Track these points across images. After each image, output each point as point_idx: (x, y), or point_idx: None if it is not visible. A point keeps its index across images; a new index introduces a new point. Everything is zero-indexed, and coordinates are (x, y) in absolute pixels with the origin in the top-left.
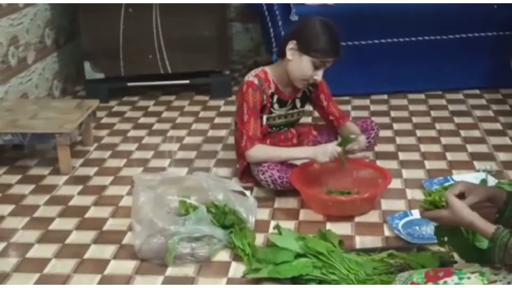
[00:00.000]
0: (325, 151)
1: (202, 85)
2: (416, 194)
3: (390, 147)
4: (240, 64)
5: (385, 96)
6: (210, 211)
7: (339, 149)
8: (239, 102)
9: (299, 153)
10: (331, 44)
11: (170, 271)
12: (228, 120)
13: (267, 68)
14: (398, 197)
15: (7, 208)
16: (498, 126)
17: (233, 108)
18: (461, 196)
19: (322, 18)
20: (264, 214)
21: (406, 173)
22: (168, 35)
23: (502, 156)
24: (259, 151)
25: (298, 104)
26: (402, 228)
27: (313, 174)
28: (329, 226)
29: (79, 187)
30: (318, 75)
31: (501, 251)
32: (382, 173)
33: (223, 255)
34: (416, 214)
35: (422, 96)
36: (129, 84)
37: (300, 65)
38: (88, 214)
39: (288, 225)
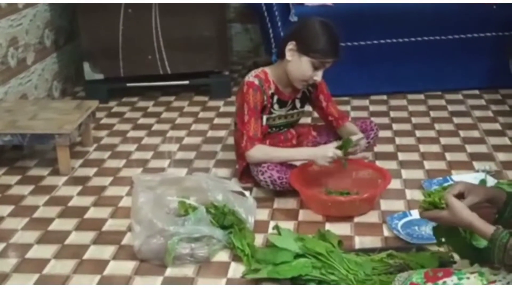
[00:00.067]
0: (325, 155)
1: (201, 85)
2: (415, 194)
3: (389, 148)
4: (239, 65)
5: (384, 97)
6: (209, 211)
7: (339, 152)
8: (239, 102)
9: (299, 154)
10: (330, 45)
11: (170, 271)
12: (227, 120)
13: (267, 69)
14: (397, 198)
15: (7, 209)
16: (497, 126)
17: (232, 108)
18: (460, 196)
19: (322, 18)
20: (263, 214)
21: (406, 174)
22: (167, 35)
23: (501, 156)
24: (259, 152)
25: (298, 104)
26: (402, 228)
27: (312, 175)
28: (328, 226)
29: (79, 188)
30: (318, 76)
31: (500, 252)
32: (382, 174)
33: (223, 256)
34: (415, 214)
35: (421, 96)
36: (129, 84)
37: (299, 65)
38: (88, 215)
39: (288, 225)
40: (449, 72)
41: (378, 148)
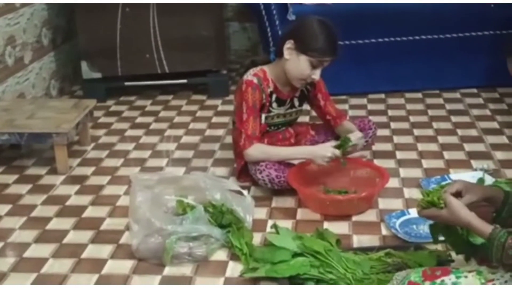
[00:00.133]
0: (324, 155)
1: (199, 84)
2: (413, 193)
3: (387, 146)
4: (237, 64)
5: (382, 95)
6: (207, 210)
7: (337, 152)
8: (238, 101)
9: (297, 153)
10: (328, 44)
11: (168, 270)
12: (225, 119)
13: (266, 67)
14: (395, 196)
15: (4, 208)
16: (495, 125)
17: (230, 107)
18: (458, 195)
19: (320, 17)
20: (261, 213)
21: (404, 172)
22: (165, 34)
23: (499, 155)
24: (257, 150)
25: (296, 103)
26: (400, 227)
27: (310, 173)
28: (326, 225)
29: (76, 187)
30: (316, 74)
31: (498, 251)
32: (380, 172)
33: (221, 255)
34: (413, 213)
35: (419, 95)
36: (126, 83)
37: (297, 64)
38: (85, 214)
39: (286, 224)
40: (447, 71)
41: (376, 146)
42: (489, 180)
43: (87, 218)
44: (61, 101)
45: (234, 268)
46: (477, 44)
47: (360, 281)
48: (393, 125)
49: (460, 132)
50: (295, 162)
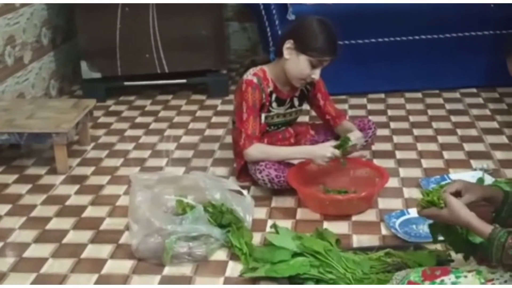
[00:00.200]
0: (324, 155)
1: (199, 84)
2: (413, 193)
3: (387, 146)
4: (237, 64)
5: (382, 95)
6: (207, 210)
7: (337, 152)
8: (238, 101)
9: (297, 153)
10: (328, 43)
11: (167, 270)
12: (225, 119)
13: (265, 67)
14: (395, 196)
15: (4, 208)
16: (495, 124)
17: (230, 107)
18: (458, 194)
19: (319, 17)
20: (261, 213)
21: (403, 172)
22: (165, 34)
23: (498, 154)
24: (257, 150)
25: (296, 102)
26: (399, 227)
27: (310, 173)
28: (326, 225)
29: (76, 187)
30: (316, 74)
31: (498, 251)
32: (379, 172)
33: (220, 255)
34: (413, 213)
35: (419, 95)
36: (126, 83)
37: (297, 64)
38: (85, 214)
39: (285, 224)
40: (447, 71)
41: (376, 146)
42: (488, 180)
43: (86, 218)
44: (60, 101)
45: (234, 268)
46: (476, 44)
47: (359, 281)
48: (392, 125)
49: (459, 132)
50: (295, 162)
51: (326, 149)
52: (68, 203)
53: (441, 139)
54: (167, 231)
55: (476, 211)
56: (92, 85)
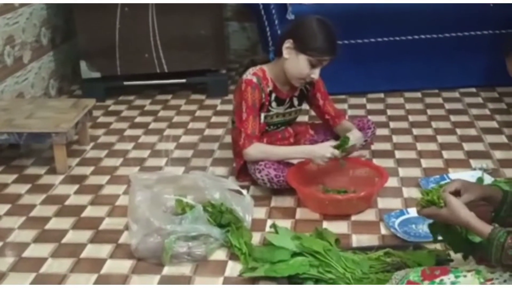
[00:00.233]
0: (323, 155)
1: (198, 84)
2: (412, 192)
3: (386, 146)
4: (236, 63)
5: (381, 95)
6: (206, 210)
7: (336, 152)
8: (238, 100)
9: (297, 152)
10: (327, 43)
11: (167, 270)
12: (224, 119)
13: (265, 67)
14: (394, 196)
15: (3, 208)
16: (494, 124)
17: (229, 107)
18: (457, 193)
19: (319, 16)
20: (260, 213)
21: (403, 172)
22: (164, 34)
23: (498, 154)
24: (257, 150)
25: (295, 102)
26: (399, 226)
27: (309, 173)
28: (325, 224)
29: (76, 187)
30: (315, 74)
31: (498, 251)
32: (379, 172)
33: (220, 254)
34: (412, 212)
35: (418, 94)
36: (126, 83)
37: (296, 63)
38: (85, 214)
39: (285, 224)
40: (446, 70)
41: (375, 146)
42: (488, 179)
43: (86, 218)
44: (60, 101)
45: (233, 268)
46: (476, 43)
47: (359, 281)
48: (392, 124)
49: (459, 131)
50: (294, 161)
51: (325, 149)
52: (67, 203)
53: (441, 138)
54: (167, 230)
55: (475, 210)
56: (92, 84)
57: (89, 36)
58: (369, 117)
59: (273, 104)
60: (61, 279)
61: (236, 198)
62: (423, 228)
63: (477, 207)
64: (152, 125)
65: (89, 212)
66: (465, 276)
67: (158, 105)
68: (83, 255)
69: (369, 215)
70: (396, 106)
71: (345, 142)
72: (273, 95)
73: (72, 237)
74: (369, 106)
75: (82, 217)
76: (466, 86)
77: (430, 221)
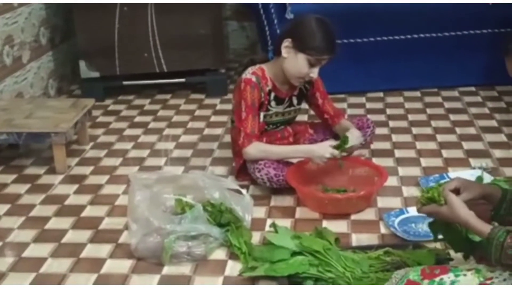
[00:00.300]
0: (322, 156)
1: (198, 83)
2: (412, 191)
3: (386, 145)
4: (236, 63)
5: (381, 94)
6: (206, 209)
7: (336, 152)
8: (237, 99)
9: (296, 152)
10: (326, 42)
11: (167, 270)
12: (224, 118)
13: (264, 66)
14: (394, 195)
15: (3, 208)
16: (493, 123)
17: (229, 106)
18: (456, 192)
19: (318, 16)
20: (260, 212)
21: (402, 171)
22: (163, 33)
23: (497, 153)
24: (256, 149)
25: (295, 101)
26: (398, 225)
27: (309, 172)
28: (325, 224)
29: (75, 186)
30: (314, 73)
31: (497, 251)
32: (378, 171)
33: (220, 254)
34: (412, 211)
35: (417, 93)
36: (125, 82)
37: (295, 63)
38: (84, 213)
39: (285, 223)
40: (446, 69)
41: (375, 145)
42: (487, 178)
43: (86, 218)
44: (59, 101)
45: (233, 267)
46: (475, 42)
47: (359, 280)
48: (391, 123)
49: (458, 130)
50: (294, 160)
51: (324, 149)
52: (67, 202)
53: (440, 137)
54: (166, 230)
55: (475, 209)
56: (91, 84)
57: (88, 36)
58: (369, 116)
59: (272, 103)
60: (61, 279)
61: (236, 197)
62: (423, 227)
63: (476, 205)
64: (152, 125)
65: (89, 212)
66: (465, 275)
67: (157, 105)
68: (83, 255)
69: (368, 214)
70: (395, 105)
71: (344, 142)
72: (272, 94)
73: (71, 237)
74: (369, 105)
75: (81, 217)
76: (465, 85)
77: (430, 220)
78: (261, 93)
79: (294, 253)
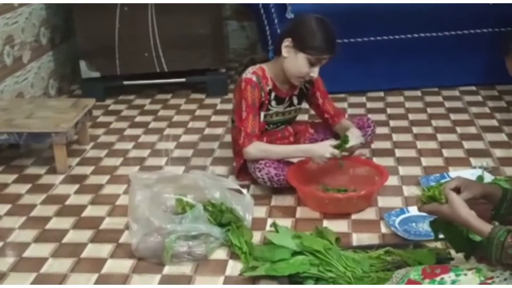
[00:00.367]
0: (323, 155)
1: (198, 83)
2: (412, 191)
3: (386, 144)
4: (236, 62)
5: (381, 93)
6: (206, 209)
7: (336, 152)
8: (237, 99)
9: (297, 151)
10: (326, 41)
11: (167, 269)
12: (224, 118)
13: (264, 66)
14: (394, 194)
15: (4, 208)
16: (494, 122)
17: (229, 106)
18: (457, 191)
19: (318, 15)
20: (261, 212)
21: (403, 170)
22: (164, 33)
23: (498, 152)
24: (256, 148)
25: (295, 101)
26: (399, 225)
27: (309, 172)
28: (326, 223)
29: (76, 186)
30: (314, 72)
31: (498, 250)
32: (379, 170)
33: (220, 254)
34: (412, 211)
35: (418, 93)
36: (125, 82)
37: (295, 62)
38: (85, 213)
39: (285, 222)
40: (446, 69)
41: (375, 145)
42: (488, 178)
43: (86, 218)
44: (59, 101)
45: (234, 267)
46: (475, 41)
47: (359, 279)
48: (392, 123)
49: (459, 129)
50: (294, 160)
51: (325, 149)
52: (67, 202)
53: (441, 137)
54: (167, 230)
55: (475, 208)
56: (91, 84)
57: (89, 36)
58: (369, 115)
59: (273, 103)
60: (62, 279)
61: (236, 197)
62: (424, 226)
63: (477, 205)
64: (152, 125)
65: (90, 211)
66: (465, 274)
67: (158, 105)
68: (84, 254)
69: (369, 213)
70: (396, 105)
71: (344, 141)
72: (273, 94)
73: (72, 237)
74: (369, 105)
75: (82, 217)
76: (466, 84)
77: (431, 219)
78: (261, 92)
79: (294, 253)
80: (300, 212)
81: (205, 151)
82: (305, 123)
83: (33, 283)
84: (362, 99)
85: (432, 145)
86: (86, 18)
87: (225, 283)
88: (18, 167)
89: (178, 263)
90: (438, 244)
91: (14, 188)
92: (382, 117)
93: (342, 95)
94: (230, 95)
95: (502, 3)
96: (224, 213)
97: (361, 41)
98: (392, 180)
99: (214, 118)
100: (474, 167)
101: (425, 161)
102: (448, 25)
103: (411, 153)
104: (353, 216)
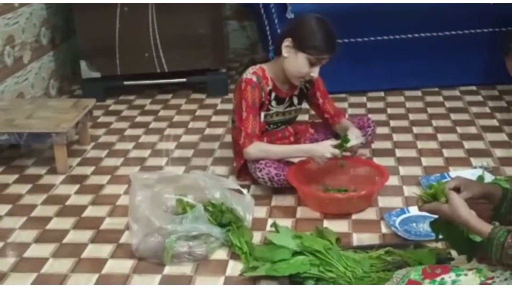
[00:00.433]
0: (323, 156)
1: (198, 83)
2: (413, 191)
3: (387, 144)
4: (236, 62)
5: (381, 93)
6: (207, 209)
7: (336, 152)
8: (238, 99)
9: (297, 151)
10: (326, 41)
11: (168, 270)
12: (225, 118)
13: (265, 66)
14: (395, 194)
15: (4, 208)
16: (494, 122)
17: (229, 106)
18: (457, 191)
19: (318, 15)
20: (261, 212)
21: (403, 170)
22: (164, 33)
23: (498, 152)
24: (257, 149)
25: (295, 101)
26: (399, 225)
27: (310, 172)
28: (326, 223)
29: (76, 187)
30: (314, 72)
31: (498, 251)
32: (379, 171)
33: (221, 254)
34: (413, 211)
35: (418, 93)
36: (126, 82)
37: (296, 62)
38: (85, 214)
39: (285, 223)
40: (446, 69)
41: (376, 145)
42: (488, 177)
43: (87, 218)
44: (60, 101)
45: (234, 267)
46: (476, 41)
47: (360, 280)
48: (392, 123)
49: (459, 129)
50: (295, 160)
51: (325, 149)
52: (68, 203)
53: (441, 137)
54: (167, 230)
55: (475, 208)
56: (92, 84)
57: (89, 36)
58: (369, 115)
59: (273, 103)
60: (62, 279)
61: (237, 197)
62: (424, 226)
63: (477, 204)
64: (153, 125)
65: (90, 212)
66: (466, 274)
67: (158, 105)
68: (84, 255)
69: (369, 214)
70: (396, 105)
71: (345, 141)
72: (273, 94)
73: (73, 237)
74: (369, 105)
75: (82, 217)
76: (466, 84)
77: (431, 219)
78: (261, 93)
79: (295, 253)
80: (301, 212)
81: (205, 151)
82: (306, 123)
83: (33, 283)
84: (363, 99)
85: (433, 145)
86: (86, 18)
87: (225, 283)
88: (19, 167)
89: (179, 263)
90: (439, 244)
91: (15, 188)
92: (382, 117)
93: (342, 95)
94: (231, 95)
95: (502, 3)
96: (225, 213)
97: (361, 41)
98: (393, 180)
99: (214, 118)
100: (475, 167)
101: (425, 161)
102: (448, 25)
103: (412, 153)
104: (354, 216)
